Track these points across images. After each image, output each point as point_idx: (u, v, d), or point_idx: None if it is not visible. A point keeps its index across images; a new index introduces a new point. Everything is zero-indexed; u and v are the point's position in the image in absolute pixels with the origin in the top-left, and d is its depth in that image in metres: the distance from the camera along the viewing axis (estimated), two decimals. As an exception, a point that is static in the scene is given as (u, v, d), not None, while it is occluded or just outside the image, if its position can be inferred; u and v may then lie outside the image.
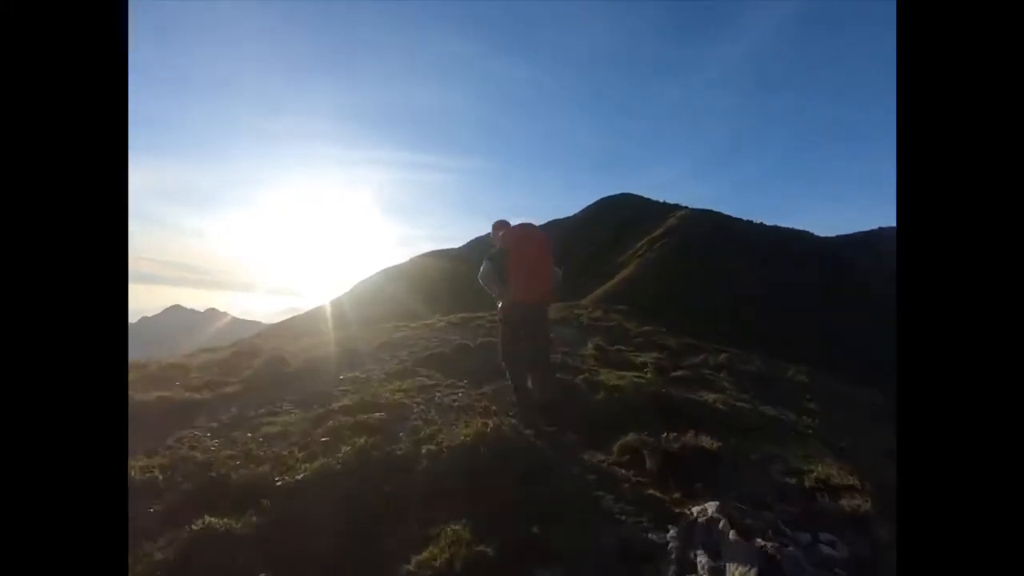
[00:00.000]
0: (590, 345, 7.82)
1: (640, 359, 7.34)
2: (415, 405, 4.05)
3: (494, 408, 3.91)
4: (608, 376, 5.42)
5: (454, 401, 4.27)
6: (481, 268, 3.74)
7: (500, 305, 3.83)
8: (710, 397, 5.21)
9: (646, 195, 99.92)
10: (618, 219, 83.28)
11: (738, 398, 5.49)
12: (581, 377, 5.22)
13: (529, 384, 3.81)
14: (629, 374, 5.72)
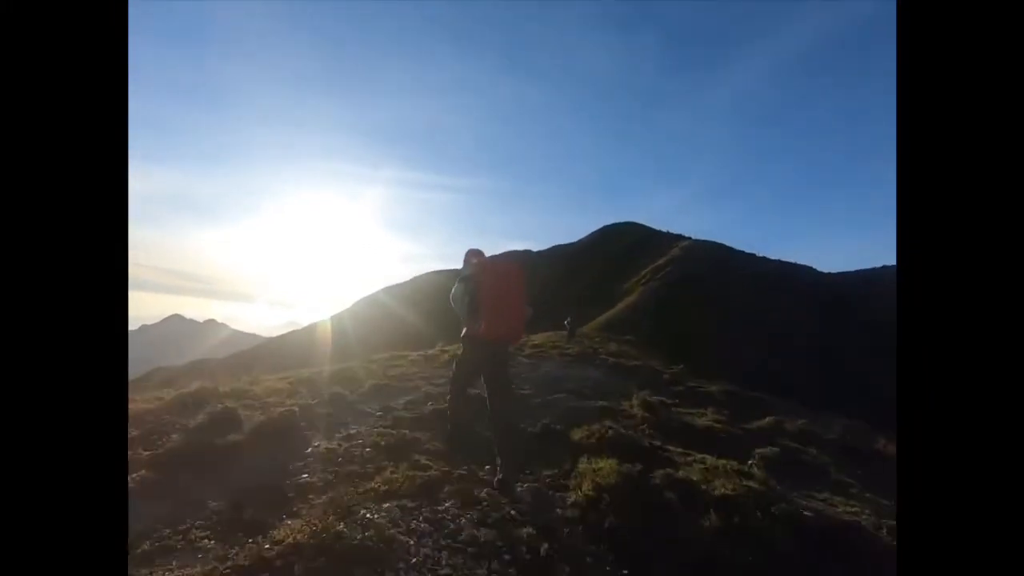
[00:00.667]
0: (635, 401, 6.37)
1: (702, 421, 6.23)
2: (410, 540, 2.34)
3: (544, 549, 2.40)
4: (692, 469, 3.70)
5: (475, 526, 2.55)
6: (453, 289, 3.61)
7: (463, 333, 3.60)
8: (863, 515, 3.59)
9: (649, 223, 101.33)
10: (622, 247, 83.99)
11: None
12: (660, 473, 3.38)
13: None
14: (721, 463, 3.78)
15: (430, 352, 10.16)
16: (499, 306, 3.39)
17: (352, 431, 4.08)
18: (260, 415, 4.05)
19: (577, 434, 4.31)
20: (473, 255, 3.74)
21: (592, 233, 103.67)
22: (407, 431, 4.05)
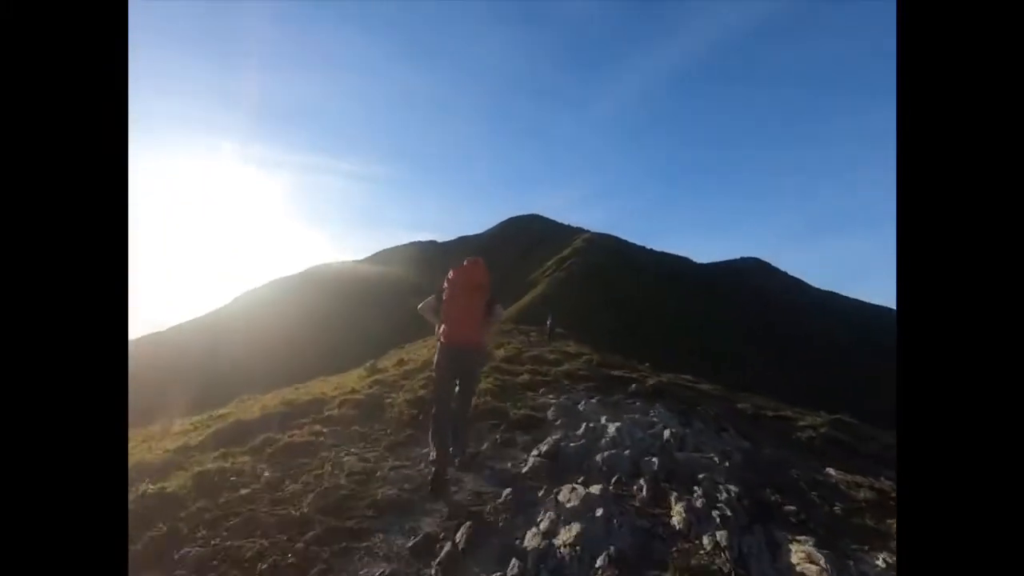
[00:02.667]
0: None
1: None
2: None
3: None
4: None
5: None
6: (424, 301, 3.78)
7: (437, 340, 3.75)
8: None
9: (551, 216, 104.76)
10: (526, 239, 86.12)
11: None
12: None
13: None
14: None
15: (331, 390, 6.10)
16: (452, 311, 3.52)
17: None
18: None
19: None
20: (452, 271, 3.71)
21: (497, 225, 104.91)
22: None
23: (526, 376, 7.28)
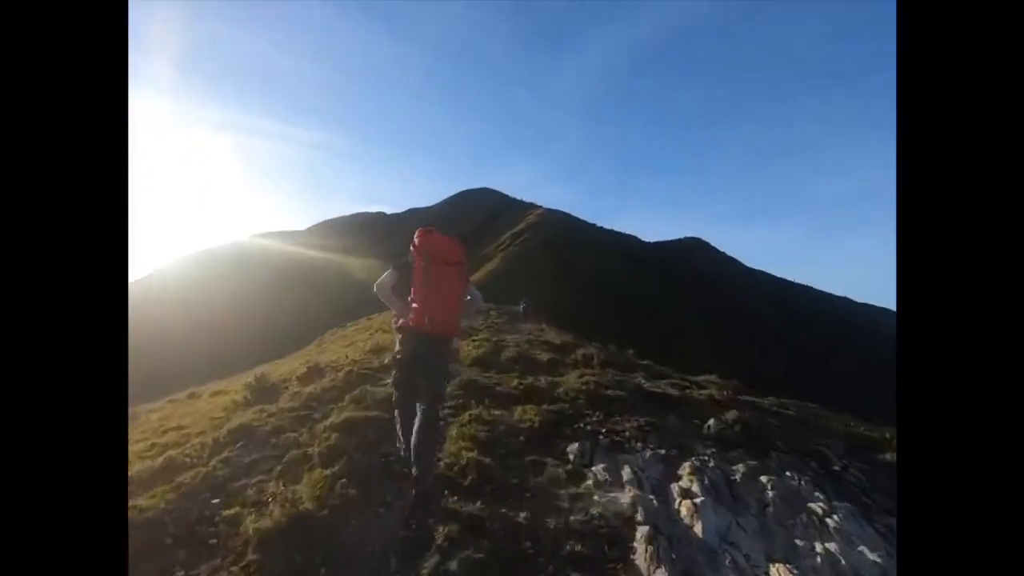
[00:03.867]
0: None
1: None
2: None
3: None
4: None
5: None
6: (381, 276, 3.12)
7: (396, 324, 3.18)
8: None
9: (505, 191, 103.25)
10: (479, 213, 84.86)
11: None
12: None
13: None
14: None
15: (232, 392, 5.43)
16: (435, 289, 2.90)
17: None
18: None
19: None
20: (420, 234, 3.07)
21: (449, 198, 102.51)
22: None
23: (528, 406, 4.40)
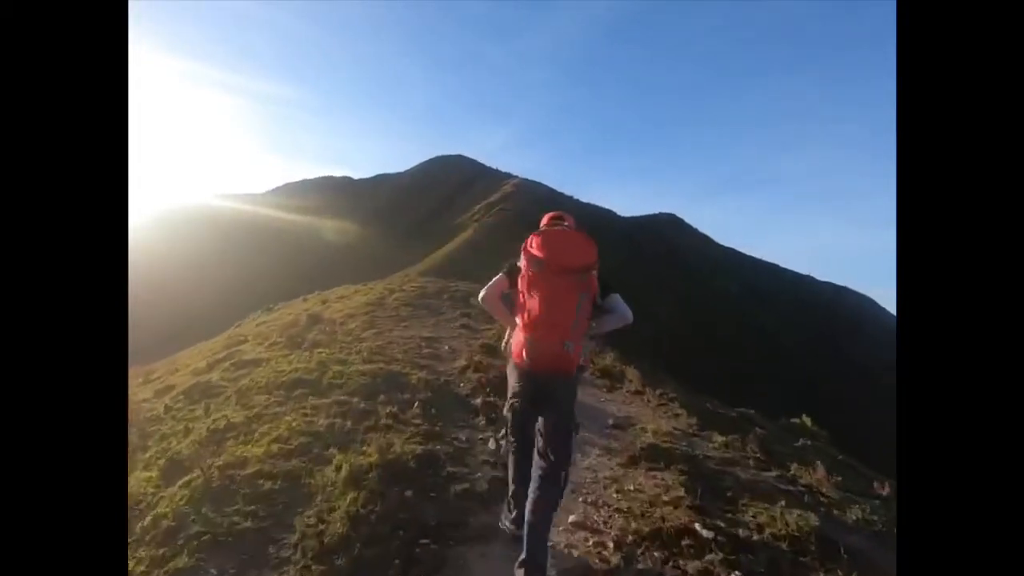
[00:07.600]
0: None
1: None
2: None
3: None
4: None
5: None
6: (489, 283, 2.37)
7: (504, 345, 2.52)
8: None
9: (479, 159, 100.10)
10: (454, 181, 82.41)
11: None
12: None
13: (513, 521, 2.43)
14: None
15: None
16: (530, 312, 2.13)
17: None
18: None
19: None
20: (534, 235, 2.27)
21: (420, 164, 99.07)
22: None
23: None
